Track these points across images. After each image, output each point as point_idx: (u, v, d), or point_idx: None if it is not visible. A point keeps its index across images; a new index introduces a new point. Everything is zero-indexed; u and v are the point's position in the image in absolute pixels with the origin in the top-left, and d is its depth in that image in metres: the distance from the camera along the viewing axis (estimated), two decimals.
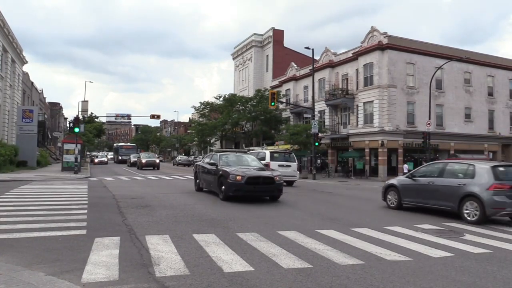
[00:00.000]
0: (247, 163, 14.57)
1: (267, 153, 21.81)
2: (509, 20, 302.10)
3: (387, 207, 12.24)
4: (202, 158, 28.40)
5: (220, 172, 12.93)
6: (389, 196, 12.46)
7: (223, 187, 12.56)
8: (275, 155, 21.83)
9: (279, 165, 20.68)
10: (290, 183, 21.18)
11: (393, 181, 12.74)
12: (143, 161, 38.60)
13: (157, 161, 40.06)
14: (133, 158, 46.91)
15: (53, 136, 58.35)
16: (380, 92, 33.12)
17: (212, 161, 14.67)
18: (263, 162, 19.26)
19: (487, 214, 9.48)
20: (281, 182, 12.96)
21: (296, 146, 36.62)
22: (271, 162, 20.86)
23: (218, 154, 15.14)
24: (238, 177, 12.14)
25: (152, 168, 38.27)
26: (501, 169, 10.35)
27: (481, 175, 10.03)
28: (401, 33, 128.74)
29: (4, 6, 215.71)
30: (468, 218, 9.78)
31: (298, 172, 22.89)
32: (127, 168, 42.11)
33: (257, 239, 6.91)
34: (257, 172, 12.96)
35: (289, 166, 21.30)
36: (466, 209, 9.92)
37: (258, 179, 12.49)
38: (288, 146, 37.29)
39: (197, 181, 15.92)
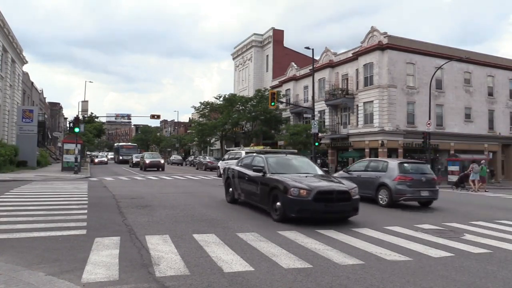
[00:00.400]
0: (302, 168, 10.63)
1: (243, 152, 23.26)
2: (509, 20, 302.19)
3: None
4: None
5: (274, 183, 9.28)
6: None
7: (279, 203, 8.85)
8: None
9: None
10: None
11: (336, 175, 15.19)
12: (147, 161, 36.14)
13: (162, 161, 37.42)
14: (135, 158, 44.65)
15: (53, 136, 58.35)
16: (380, 92, 33.12)
17: (256, 165, 10.69)
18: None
19: (393, 199, 12.35)
20: (358, 198, 9.12)
21: (289, 147, 36.62)
22: None
23: (264, 156, 11.02)
24: (302, 191, 8.47)
25: (156, 169, 35.86)
26: (406, 165, 13.33)
27: (391, 169, 12.94)
28: (401, 33, 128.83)
29: (4, 6, 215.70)
30: (381, 202, 12.69)
31: None
32: (128, 168, 39.81)
33: (257, 239, 6.91)
34: (326, 183, 9.25)
35: None
36: (380, 196, 12.81)
37: (331, 194, 8.64)
38: (262, 146, 40.27)
39: (230, 189, 12.07)
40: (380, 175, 13.13)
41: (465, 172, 25.01)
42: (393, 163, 13.31)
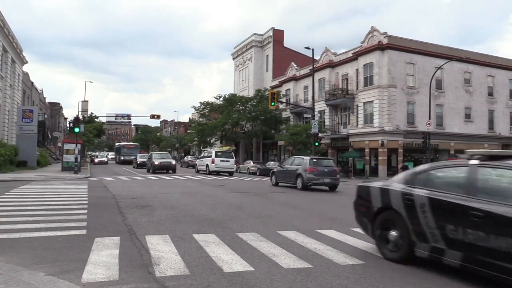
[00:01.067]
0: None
1: (213, 152, 31.66)
2: (509, 20, 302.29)
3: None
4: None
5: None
6: (272, 178, 21.09)
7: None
8: (219, 153, 31.34)
9: (221, 160, 30.03)
10: (231, 174, 30.44)
11: (274, 169, 21.85)
12: (156, 162, 31.14)
13: (173, 162, 32.82)
14: (140, 158, 40.81)
15: (53, 136, 58.34)
16: (380, 92, 33.13)
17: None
18: (209, 158, 30.44)
19: (304, 184, 17.86)
20: None
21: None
22: (215, 158, 30.09)
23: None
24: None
25: (166, 171, 31.33)
26: (314, 160, 18.92)
27: (304, 163, 18.29)
28: (401, 33, 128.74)
29: (4, 6, 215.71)
30: (298, 187, 18.15)
31: (235, 165, 32.40)
32: (133, 170, 36.35)
33: (257, 239, 6.91)
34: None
35: (228, 161, 30.46)
36: (297, 183, 18.29)
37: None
38: (228, 147, 47.95)
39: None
40: (298, 167, 18.57)
41: None
42: (306, 159, 18.80)
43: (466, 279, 5.00)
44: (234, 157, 32.89)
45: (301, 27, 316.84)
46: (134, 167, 40.90)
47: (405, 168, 27.26)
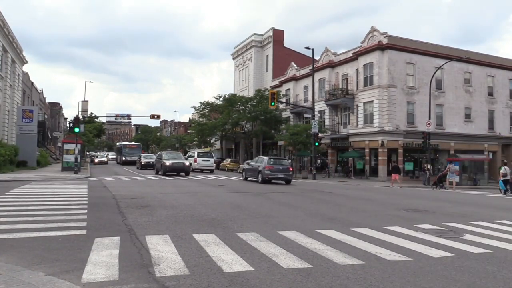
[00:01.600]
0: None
1: (196, 152, 37.00)
2: (509, 20, 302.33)
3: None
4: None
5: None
6: (243, 174, 25.82)
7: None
8: (200, 154, 36.39)
9: (202, 160, 35.24)
10: (211, 171, 35.48)
11: (244, 166, 27.22)
12: (168, 163, 26.95)
13: (187, 163, 28.48)
14: (145, 159, 38.68)
15: (53, 136, 58.34)
16: (380, 92, 33.13)
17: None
18: (192, 158, 35.15)
19: (263, 178, 22.32)
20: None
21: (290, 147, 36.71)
22: (198, 158, 35.12)
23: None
24: None
25: (176, 173, 27.64)
26: (272, 160, 23.79)
27: (264, 162, 23.04)
28: (401, 33, 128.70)
29: (4, 6, 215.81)
30: (259, 181, 22.67)
31: (214, 164, 37.22)
32: (137, 171, 33.71)
33: (257, 239, 6.91)
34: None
35: (208, 160, 35.75)
36: (258, 177, 22.85)
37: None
38: (208, 149, 56.33)
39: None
40: (260, 165, 23.35)
41: (443, 172, 25.82)
42: (266, 159, 23.80)
43: (466, 279, 5.01)
44: (213, 157, 38.47)
45: (301, 27, 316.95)
46: (138, 168, 38.75)
47: (395, 168, 27.31)
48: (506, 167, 23.12)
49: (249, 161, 28.87)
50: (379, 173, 32.57)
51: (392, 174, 26.54)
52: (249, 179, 24.58)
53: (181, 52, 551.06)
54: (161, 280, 4.56)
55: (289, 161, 29.48)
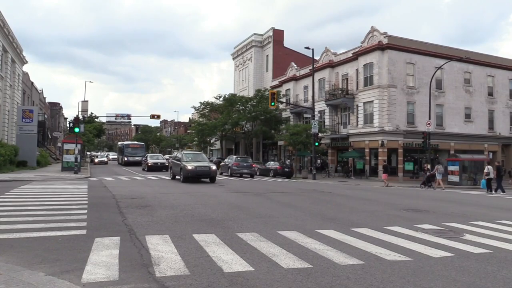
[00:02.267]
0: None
1: (183, 152, 35.77)
2: (509, 20, 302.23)
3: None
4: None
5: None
6: (219, 170, 28.60)
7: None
8: (185, 153, 33.44)
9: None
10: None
11: (221, 164, 32.50)
12: (189, 167, 21.05)
13: (214, 167, 22.35)
14: (151, 159, 35.87)
15: (53, 136, 58.33)
16: (380, 92, 33.12)
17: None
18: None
19: (231, 172, 29.06)
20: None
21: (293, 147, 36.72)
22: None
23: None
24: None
25: (198, 179, 21.98)
26: (239, 158, 30.83)
27: (232, 159, 30.22)
28: (401, 33, 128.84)
29: (4, 6, 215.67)
30: (228, 174, 29.38)
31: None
32: (145, 173, 30.92)
33: (257, 239, 6.91)
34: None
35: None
36: (228, 172, 29.65)
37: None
38: (192, 149, 58.76)
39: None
40: (229, 162, 29.83)
41: (432, 172, 26.19)
42: (233, 157, 30.92)
43: (466, 279, 5.01)
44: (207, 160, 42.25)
45: (301, 27, 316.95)
46: (144, 169, 35.48)
47: (385, 167, 27.80)
48: (489, 166, 23.78)
49: (225, 160, 34.67)
50: (379, 173, 32.55)
51: (383, 174, 27.37)
52: (224, 173, 30.80)
53: (181, 52, 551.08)
54: (161, 280, 4.56)
55: (288, 161, 33.97)
